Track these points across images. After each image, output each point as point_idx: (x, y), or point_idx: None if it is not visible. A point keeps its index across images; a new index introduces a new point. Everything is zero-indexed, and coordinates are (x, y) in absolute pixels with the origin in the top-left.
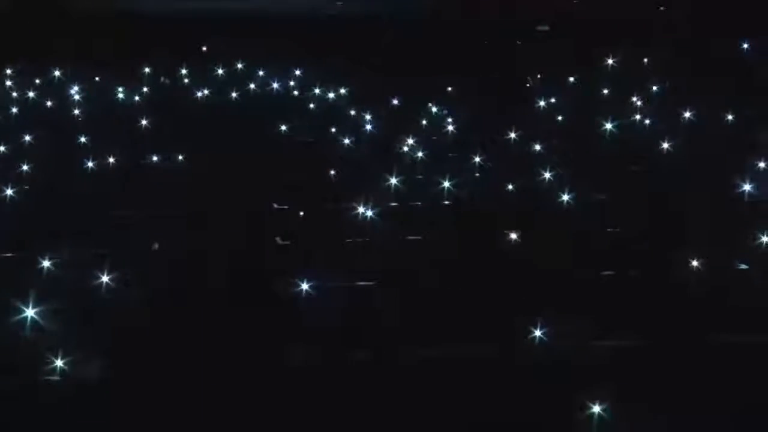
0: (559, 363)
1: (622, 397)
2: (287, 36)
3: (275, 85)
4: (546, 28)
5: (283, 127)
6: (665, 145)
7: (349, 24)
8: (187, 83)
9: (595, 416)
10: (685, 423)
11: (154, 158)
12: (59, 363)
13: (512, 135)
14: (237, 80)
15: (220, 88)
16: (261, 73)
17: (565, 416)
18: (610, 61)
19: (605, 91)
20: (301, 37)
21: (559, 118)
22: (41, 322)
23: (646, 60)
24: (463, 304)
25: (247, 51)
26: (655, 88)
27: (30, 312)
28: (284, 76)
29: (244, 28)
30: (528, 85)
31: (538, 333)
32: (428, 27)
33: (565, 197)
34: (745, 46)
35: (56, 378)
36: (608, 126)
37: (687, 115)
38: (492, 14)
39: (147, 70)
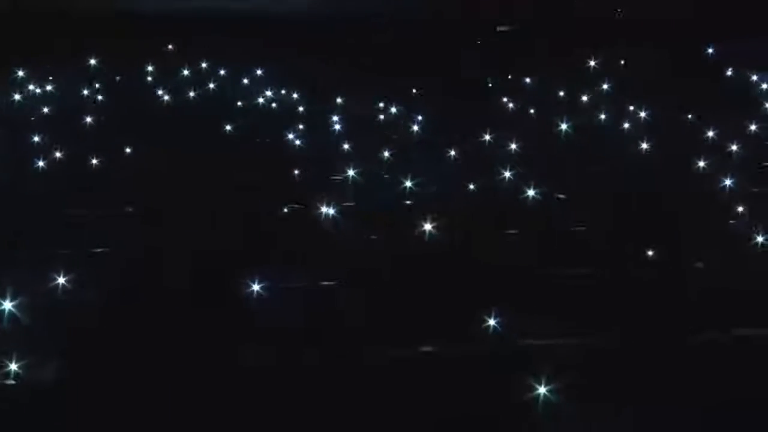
0: (524, 359)
1: (589, 393)
2: (287, 36)
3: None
4: (506, 28)
5: (230, 126)
6: (635, 145)
7: (326, 24)
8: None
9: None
10: (650, 417)
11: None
12: (13, 366)
13: (487, 137)
14: (221, 79)
15: (201, 87)
16: (222, 71)
17: (530, 410)
18: (582, 62)
19: (573, 91)
20: (298, 37)
21: (525, 117)
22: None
23: (617, 61)
24: (428, 303)
25: (230, 51)
26: (618, 87)
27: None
28: (252, 74)
29: (244, 28)
30: (490, 85)
31: (492, 323)
32: (402, 26)
33: (530, 194)
34: (710, 50)
35: (10, 382)
36: (573, 125)
37: (646, 115)
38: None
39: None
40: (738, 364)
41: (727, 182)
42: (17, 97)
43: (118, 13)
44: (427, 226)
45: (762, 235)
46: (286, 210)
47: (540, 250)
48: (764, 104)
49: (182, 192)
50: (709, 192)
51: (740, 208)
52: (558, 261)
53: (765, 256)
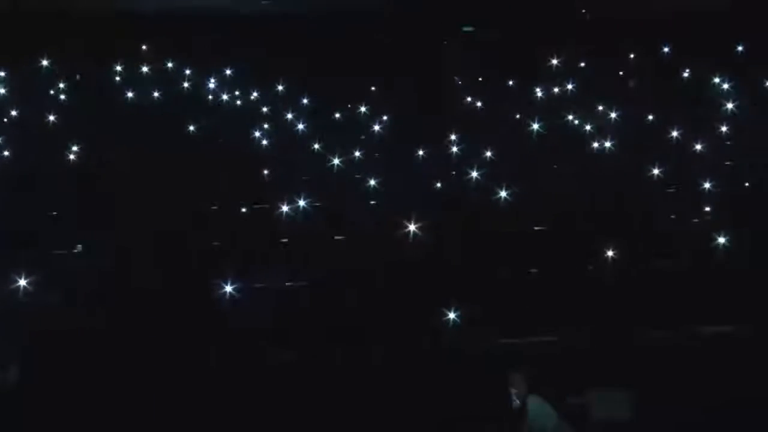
0: (491, 358)
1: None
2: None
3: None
4: (471, 29)
5: (194, 127)
6: (594, 145)
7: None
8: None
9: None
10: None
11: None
12: None
13: (452, 137)
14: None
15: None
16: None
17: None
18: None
19: (539, 92)
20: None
21: (491, 117)
22: None
23: (580, 62)
24: (394, 304)
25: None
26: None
27: None
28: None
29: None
30: (459, 83)
31: (453, 318)
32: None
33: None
34: (666, 49)
35: None
36: (538, 126)
37: (614, 115)
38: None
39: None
40: (705, 363)
41: (691, 182)
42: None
43: (119, 13)
44: (401, 227)
45: (722, 235)
46: (245, 210)
47: (507, 250)
48: (724, 105)
49: (151, 193)
50: (671, 192)
51: (706, 208)
52: (524, 261)
53: (728, 254)
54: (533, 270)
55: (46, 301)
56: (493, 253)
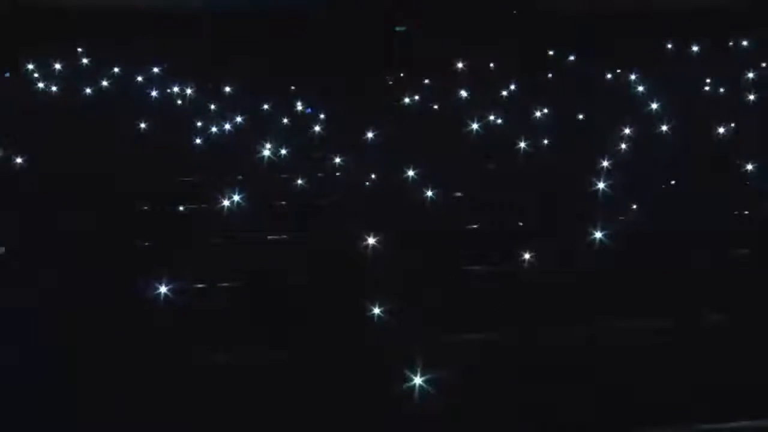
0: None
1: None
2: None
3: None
4: (403, 28)
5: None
6: (522, 144)
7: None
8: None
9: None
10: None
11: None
12: None
13: (369, 135)
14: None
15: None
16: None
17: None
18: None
19: (467, 92)
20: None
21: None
22: None
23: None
24: (325, 303)
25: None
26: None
27: None
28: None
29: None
30: (390, 83)
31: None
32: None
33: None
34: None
35: None
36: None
37: (539, 114)
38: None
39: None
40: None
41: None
42: None
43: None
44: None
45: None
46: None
47: (440, 249)
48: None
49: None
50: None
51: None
52: (456, 259)
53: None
54: (465, 268)
55: None
56: (423, 251)
